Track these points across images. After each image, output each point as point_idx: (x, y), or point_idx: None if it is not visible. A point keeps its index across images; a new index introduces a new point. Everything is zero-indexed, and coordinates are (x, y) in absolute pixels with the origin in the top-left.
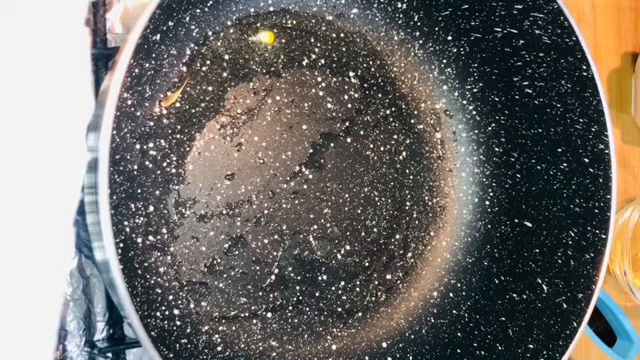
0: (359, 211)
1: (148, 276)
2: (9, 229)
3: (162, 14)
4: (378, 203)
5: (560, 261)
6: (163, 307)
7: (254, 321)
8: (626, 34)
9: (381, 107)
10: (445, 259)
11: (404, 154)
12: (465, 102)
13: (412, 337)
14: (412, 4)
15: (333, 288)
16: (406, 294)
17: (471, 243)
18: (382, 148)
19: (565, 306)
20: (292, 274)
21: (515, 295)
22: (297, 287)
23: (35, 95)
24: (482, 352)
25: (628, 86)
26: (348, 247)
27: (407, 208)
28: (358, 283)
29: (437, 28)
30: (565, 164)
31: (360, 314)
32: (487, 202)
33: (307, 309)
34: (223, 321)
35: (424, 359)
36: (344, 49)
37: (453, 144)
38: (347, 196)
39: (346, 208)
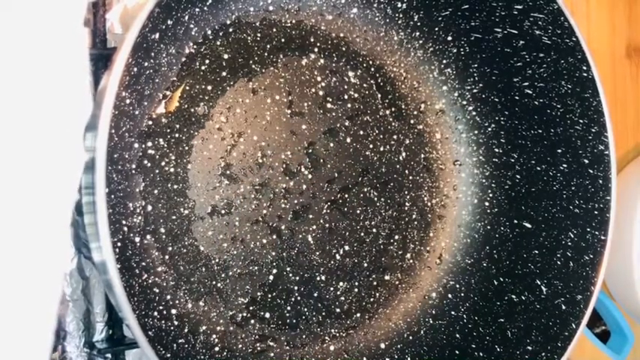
0: (358, 212)
1: (146, 275)
2: (5, 228)
3: (161, 13)
4: (377, 204)
5: (559, 262)
6: (161, 307)
7: (252, 321)
8: (620, 27)
9: (381, 107)
10: (444, 260)
11: (404, 154)
12: (464, 102)
13: (410, 337)
14: (412, 4)
15: (332, 288)
16: (405, 295)
17: (470, 244)
18: (382, 149)
19: (564, 307)
20: (290, 275)
21: (514, 297)
22: (296, 287)
23: (33, 95)
24: (481, 354)
25: (621, 79)
26: (346, 248)
27: (406, 208)
28: (357, 284)
29: (437, 29)
30: (565, 165)
31: (358, 315)
32: (486, 203)
33: (305, 309)
34: (221, 321)
35: None
36: (344, 49)
37: (453, 144)
38: (346, 196)
39: (345, 209)
